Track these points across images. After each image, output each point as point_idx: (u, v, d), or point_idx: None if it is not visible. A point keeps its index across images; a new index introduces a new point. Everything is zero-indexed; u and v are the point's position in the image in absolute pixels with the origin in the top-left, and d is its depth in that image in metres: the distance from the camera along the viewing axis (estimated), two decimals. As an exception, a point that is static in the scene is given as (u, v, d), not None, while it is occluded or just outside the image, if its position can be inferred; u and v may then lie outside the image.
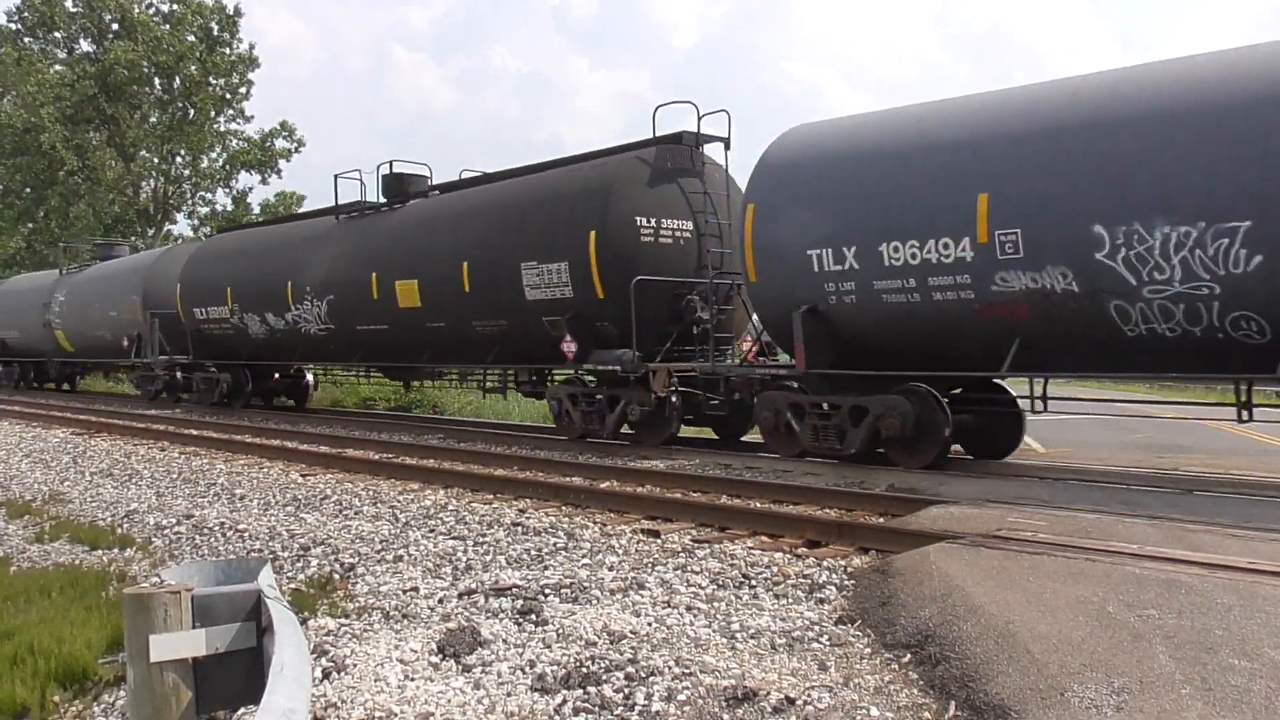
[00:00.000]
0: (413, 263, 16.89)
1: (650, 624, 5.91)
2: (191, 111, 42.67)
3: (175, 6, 42.62)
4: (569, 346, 14.17)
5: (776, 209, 11.81)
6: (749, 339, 14.38)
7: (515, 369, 16.42)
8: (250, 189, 45.29)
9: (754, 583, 6.74)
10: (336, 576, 7.53)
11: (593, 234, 13.72)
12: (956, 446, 11.88)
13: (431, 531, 8.81)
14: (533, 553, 7.82)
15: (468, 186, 17.50)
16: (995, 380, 11.42)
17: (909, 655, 5.17)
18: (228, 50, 42.95)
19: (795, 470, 11.31)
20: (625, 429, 14.37)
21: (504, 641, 5.67)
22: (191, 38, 41.79)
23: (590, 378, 14.76)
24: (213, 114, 43.32)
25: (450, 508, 9.87)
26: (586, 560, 7.53)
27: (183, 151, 43.90)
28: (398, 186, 18.43)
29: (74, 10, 43.22)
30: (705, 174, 14.40)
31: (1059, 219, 9.52)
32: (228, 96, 43.56)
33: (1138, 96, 9.41)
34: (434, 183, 18.66)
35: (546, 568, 7.35)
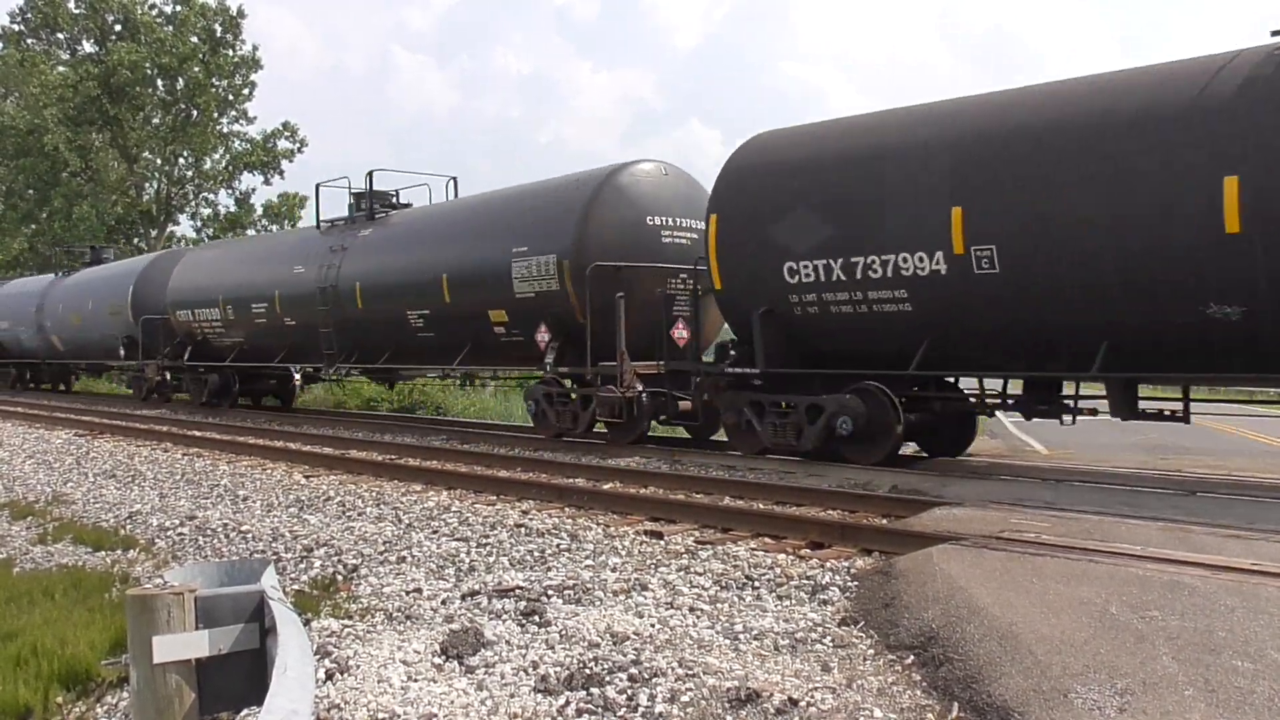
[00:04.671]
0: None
1: (653, 625, 5.91)
2: (194, 113, 42.70)
3: (178, 8, 42.69)
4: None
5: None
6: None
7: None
8: (253, 190, 45.35)
9: (757, 584, 6.74)
10: (340, 578, 7.54)
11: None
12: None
13: (435, 533, 8.82)
14: (536, 554, 7.83)
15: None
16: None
17: (912, 656, 5.16)
18: (231, 51, 42.99)
19: (798, 471, 11.31)
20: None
21: (507, 643, 5.67)
22: (195, 39, 41.84)
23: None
24: (215, 115, 43.36)
25: (453, 509, 9.88)
26: (590, 561, 7.53)
27: (185, 153, 43.97)
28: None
29: (77, 11, 43.31)
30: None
31: None
32: (230, 98, 43.60)
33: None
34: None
35: (549, 569, 7.35)
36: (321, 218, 20.83)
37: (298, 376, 24.44)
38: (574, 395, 14.92)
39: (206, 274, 23.49)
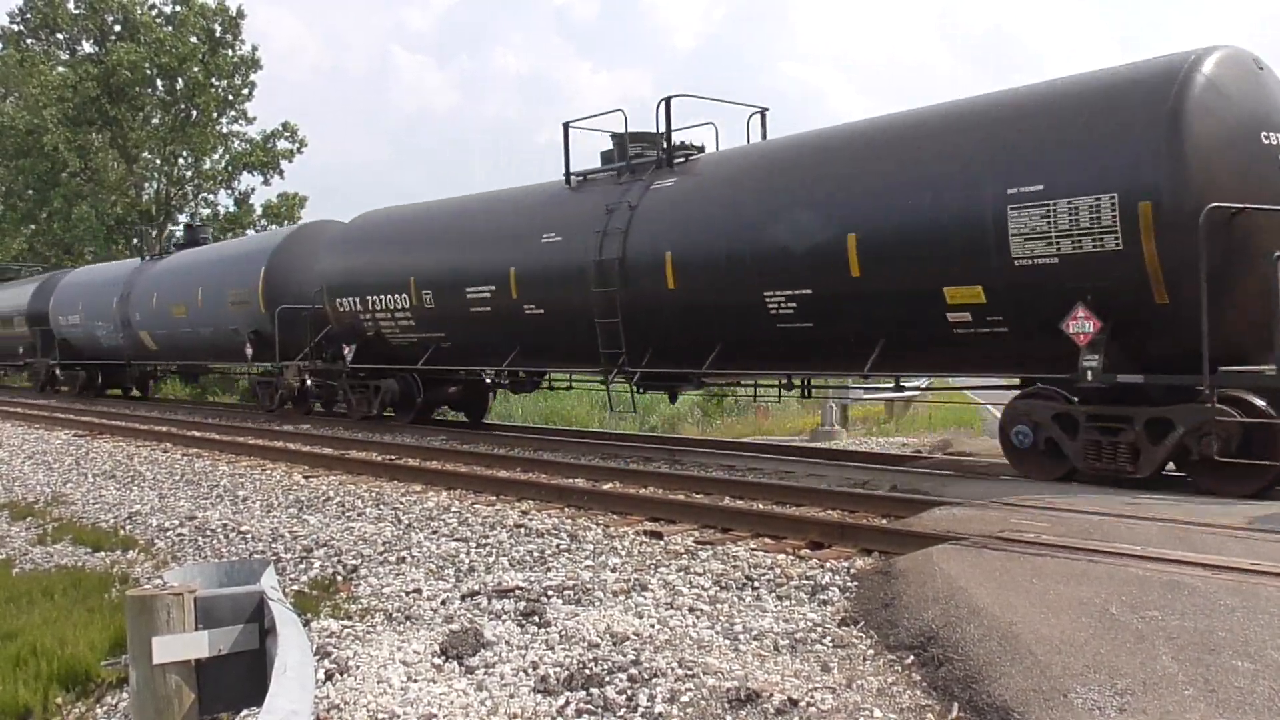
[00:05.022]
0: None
1: (653, 625, 5.91)
2: (194, 113, 42.70)
3: (178, 8, 42.68)
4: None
5: None
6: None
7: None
8: (252, 190, 45.33)
9: (757, 584, 6.74)
10: (339, 578, 7.54)
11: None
12: None
13: (434, 533, 8.82)
14: (535, 554, 7.83)
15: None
16: None
17: (912, 657, 5.17)
18: (230, 52, 42.99)
19: (797, 471, 11.31)
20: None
21: (507, 643, 5.67)
22: (194, 39, 41.83)
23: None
24: (215, 115, 43.36)
25: (453, 509, 9.88)
26: (589, 562, 7.53)
27: (185, 153, 43.93)
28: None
29: (76, 12, 43.29)
30: None
31: None
32: (230, 98, 43.61)
33: None
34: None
35: (549, 569, 7.35)
36: (571, 169, 15.24)
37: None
38: (1131, 419, 9.28)
39: (383, 249, 18.07)
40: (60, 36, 44.25)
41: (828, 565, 7.11)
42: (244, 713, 4.64)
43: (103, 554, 9.31)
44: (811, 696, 4.70)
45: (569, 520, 9.14)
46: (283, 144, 43.99)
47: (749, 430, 21.06)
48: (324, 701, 4.88)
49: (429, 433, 17.52)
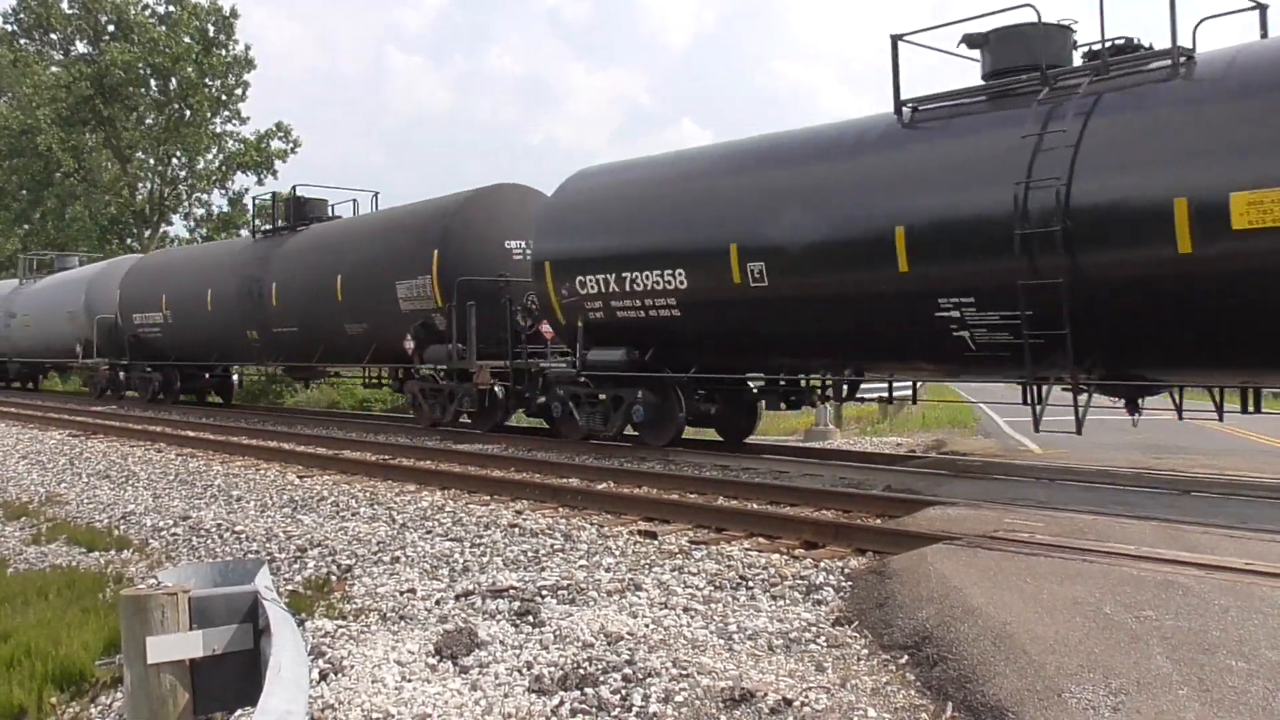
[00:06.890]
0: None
1: (647, 625, 5.91)
2: (188, 113, 42.63)
3: (172, 8, 42.61)
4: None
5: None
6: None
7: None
8: (246, 190, 45.23)
9: (751, 584, 6.75)
10: (334, 578, 7.53)
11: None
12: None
13: (429, 533, 8.81)
14: (530, 554, 7.82)
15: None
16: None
17: (906, 656, 5.17)
18: (224, 51, 42.91)
19: (792, 471, 11.32)
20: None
21: (501, 643, 5.67)
22: (188, 39, 41.75)
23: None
24: (209, 115, 43.27)
25: (447, 509, 9.87)
26: (584, 561, 7.53)
27: (179, 153, 43.85)
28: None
29: (70, 11, 43.19)
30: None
31: None
32: (224, 98, 43.52)
33: None
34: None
35: (543, 569, 7.35)
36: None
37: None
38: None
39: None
40: (54, 36, 44.16)
41: (822, 565, 7.11)
42: (238, 713, 4.63)
43: (97, 554, 9.28)
44: (806, 696, 4.70)
45: (563, 520, 9.14)
46: (276, 144, 43.93)
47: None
48: (318, 701, 4.88)
49: (422, 433, 17.54)
